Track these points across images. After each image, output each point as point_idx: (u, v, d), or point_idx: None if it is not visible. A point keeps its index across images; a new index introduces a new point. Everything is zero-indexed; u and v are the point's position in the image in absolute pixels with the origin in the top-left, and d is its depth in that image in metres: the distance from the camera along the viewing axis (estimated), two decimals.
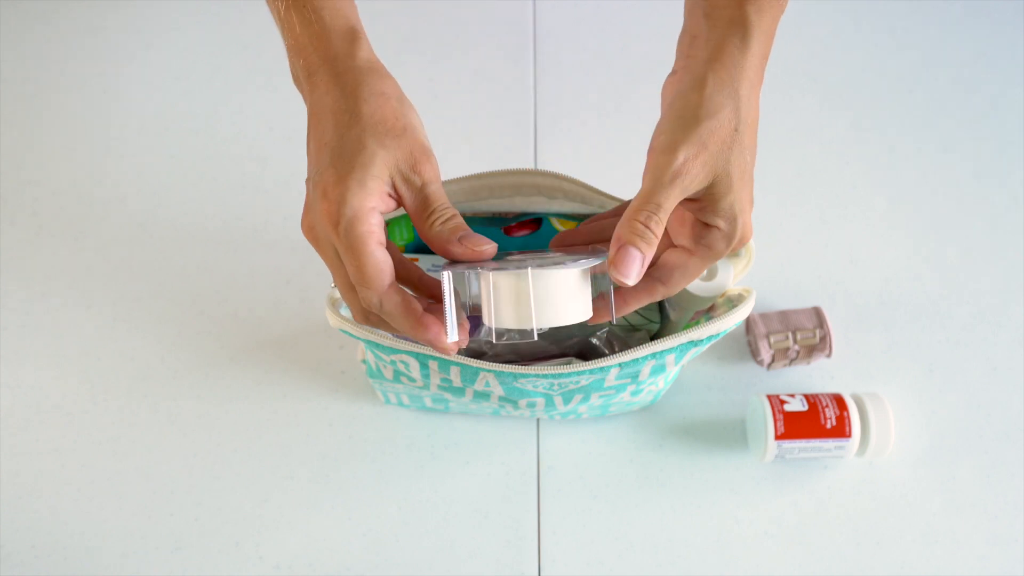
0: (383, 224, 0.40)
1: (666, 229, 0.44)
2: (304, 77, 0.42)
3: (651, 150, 0.40)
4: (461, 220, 0.41)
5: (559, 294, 0.40)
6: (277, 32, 0.80)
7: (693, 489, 0.63)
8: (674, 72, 0.43)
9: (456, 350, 0.41)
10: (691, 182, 0.39)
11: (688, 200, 0.41)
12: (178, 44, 0.79)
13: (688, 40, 0.43)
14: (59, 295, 0.68)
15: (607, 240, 0.45)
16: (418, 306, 0.40)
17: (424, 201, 0.41)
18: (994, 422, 0.65)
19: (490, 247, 0.40)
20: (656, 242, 0.39)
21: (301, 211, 0.72)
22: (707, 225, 0.42)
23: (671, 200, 0.39)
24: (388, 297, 0.39)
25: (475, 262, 0.41)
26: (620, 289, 0.44)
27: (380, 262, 0.39)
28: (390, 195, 0.40)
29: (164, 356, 0.66)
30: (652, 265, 0.44)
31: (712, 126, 0.39)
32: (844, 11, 0.82)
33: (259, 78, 0.77)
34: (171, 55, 0.78)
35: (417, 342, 0.46)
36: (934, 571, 0.61)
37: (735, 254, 0.52)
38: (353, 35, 0.41)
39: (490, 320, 0.41)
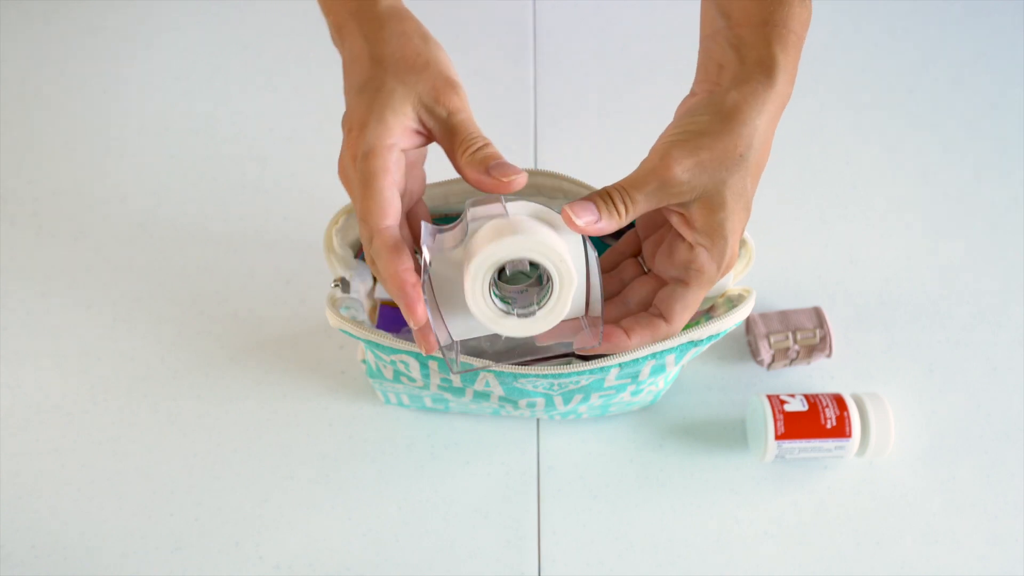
0: (402, 164, 0.39)
1: (654, 268, 0.45)
2: (335, 33, 0.43)
3: (651, 150, 0.40)
4: (494, 149, 0.40)
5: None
6: (277, 32, 0.80)
7: (693, 489, 0.63)
8: (693, 94, 0.44)
9: (423, 332, 0.40)
10: (676, 190, 0.39)
11: (674, 213, 0.41)
12: (178, 44, 0.79)
13: (715, 68, 0.43)
14: (59, 295, 0.68)
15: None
16: (409, 263, 0.38)
17: (451, 131, 0.40)
18: (994, 422, 0.65)
19: (520, 177, 0.39)
20: (616, 223, 0.39)
21: (301, 211, 0.72)
22: (692, 247, 0.41)
23: (648, 199, 0.39)
24: (380, 235, 0.38)
25: (504, 192, 0.39)
26: (620, 325, 0.43)
27: (385, 199, 0.38)
28: (417, 131, 0.40)
29: (164, 356, 0.66)
30: (649, 304, 0.44)
31: (714, 142, 0.39)
32: (844, 11, 0.82)
33: (259, 78, 0.77)
34: (171, 55, 0.78)
35: (391, 300, 0.45)
36: (934, 571, 0.61)
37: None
38: None
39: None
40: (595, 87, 0.77)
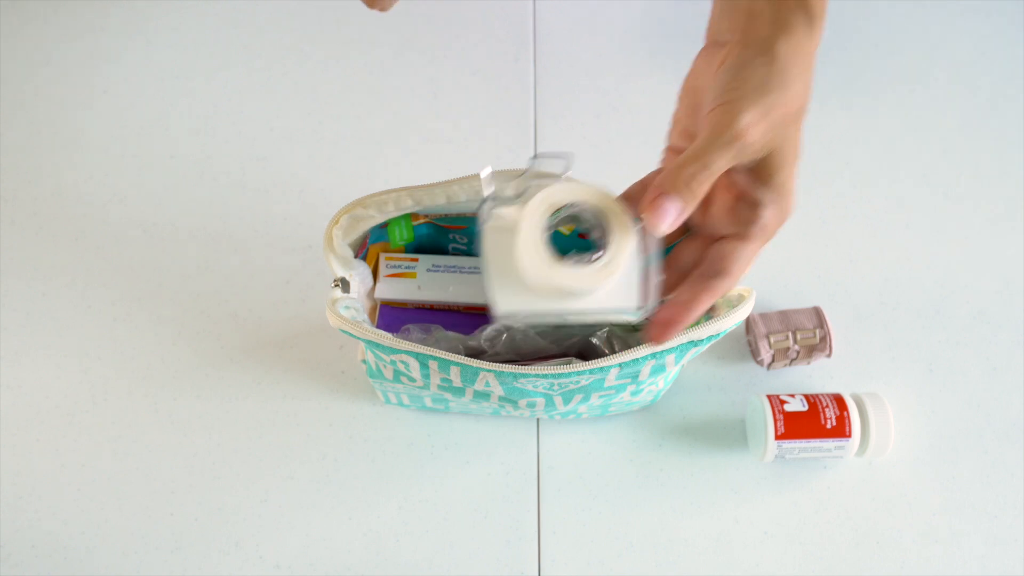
0: None
1: (703, 226, 0.42)
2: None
3: (709, 111, 0.38)
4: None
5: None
6: (277, 31, 0.80)
7: (693, 489, 0.63)
8: (721, 45, 0.41)
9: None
10: (748, 149, 0.37)
11: (737, 174, 0.39)
12: (178, 44, 0.79)
13: (743, 17, 0.40)
14: (59, 295, 0.68)
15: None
16: None
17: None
18: (994, 422, 0.65)
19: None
20: (697, 202, 0.37)
21: (301, 211, 0.72)
22: (754, 205, 0.39)
23: (723, 161, 0.37)
24: None
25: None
26: (687, 288, 0.41)
27: None
28: None
29: (164, 356, 0.66)
30: (703, 263, 0.41)
31: (781, 98, 0.37)
32: (844, 11, 0.82)
33: (259, 78, 0.77)
34: (171, 55, 0.78)
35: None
36: (934, 571, 0.61)
37: None
38: None
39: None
40: (595, 87, 0.77)
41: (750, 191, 0.39)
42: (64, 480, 0.62)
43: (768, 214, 0.39)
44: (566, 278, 0.37)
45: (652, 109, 0.76)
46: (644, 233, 0.38)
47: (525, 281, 0.37)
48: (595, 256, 0.37)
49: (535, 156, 0.38)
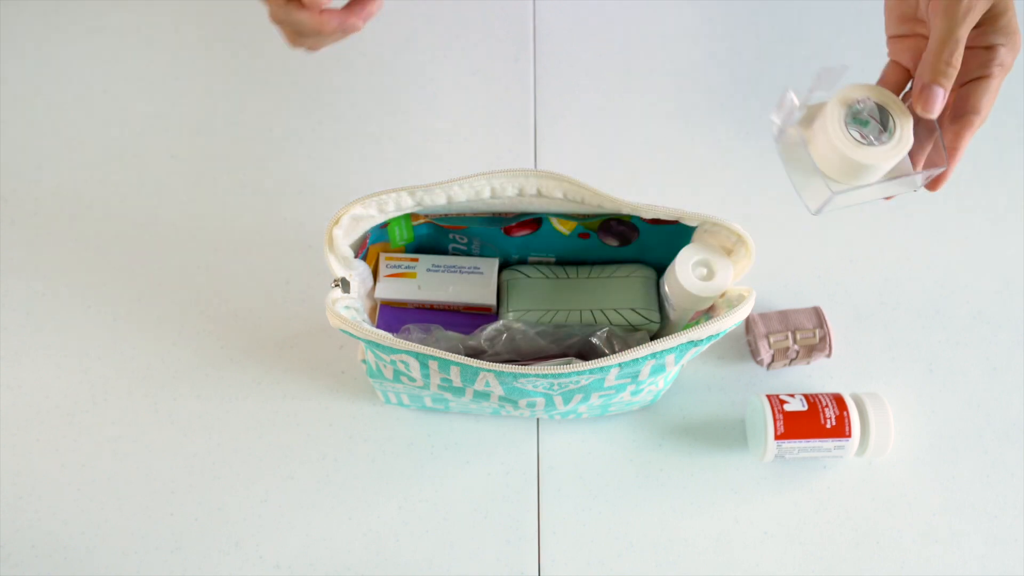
0: None
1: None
2: None
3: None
4: None
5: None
6: (276, 31, 0.80)
7: (693, 489, 0.63)
8: None
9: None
10: (979, 11, 0.44)
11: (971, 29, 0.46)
12: (178, 44, 0.79)
13: None
14: (59, 295, 0.68)
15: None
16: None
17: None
18: (994, 422, 0.65)
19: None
20: (956, 74, 0.45)
21: (301, 211, 0.72)
22: (989, 48, 0.46)
23: (966, 32, 0.44)
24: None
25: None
26: (945, 135, 0.47)
27: None
28: None
29: (164, 356, 0.66)
30: (954, 106, 0.47)
31: None
32: (844, 11, 0.82)
33: (259, 78, 0.77)
34: (171, 55, 0.78)
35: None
36: (934, 571, 0.61)
37: (736, 253, 0.52)
38: None
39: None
40: (595, 87, 0.77)
41: (981, 39, 0.46)
42: (64, 480, 0.62)
43: (1003, 52, 0.46)
44: (870, 156, 0.46)
45: (651, 109, 0.76)
46: (916, 117, 0.47)
47: (836, 163, 0.47)
48: (883, 139, 0.47)
49: (821, 69, 0.48)
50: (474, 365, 0.48)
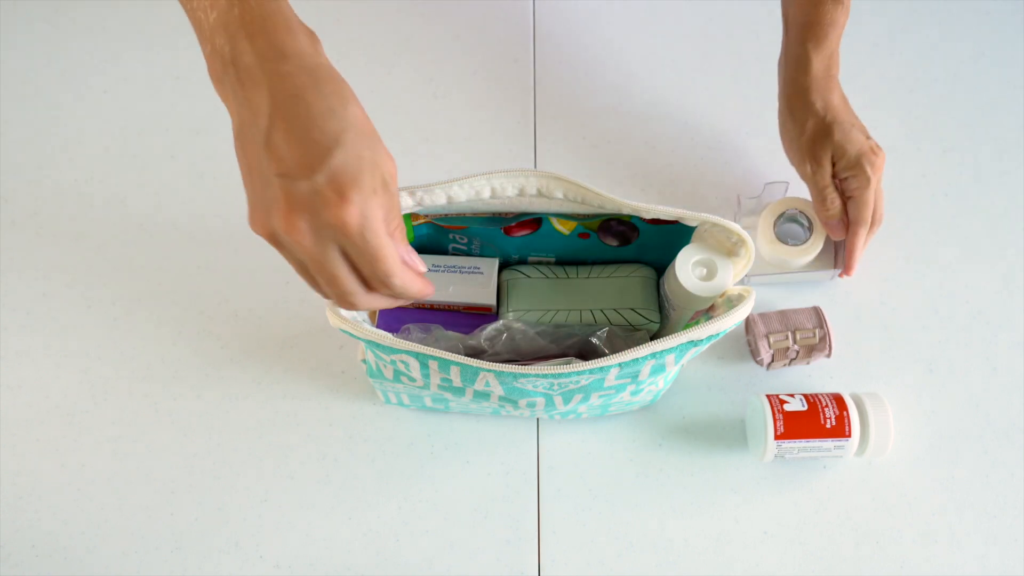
0: None
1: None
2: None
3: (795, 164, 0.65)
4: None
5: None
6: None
7: (693, 489, 0.63)
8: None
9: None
10: (825, 162, 0.62)
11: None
12: (178, 44, 0.79)
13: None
14: (59, 295, 0.68)
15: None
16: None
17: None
18: (994, 422, 0.65)
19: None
20: (838, 208, 0.63)
21: None
22: (844, 180, 0.62)
23: (825, 179, 0.62)
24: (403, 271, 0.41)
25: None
26: (847, 240, 0.64)
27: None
28: None
29: (164, 356, 0.66)
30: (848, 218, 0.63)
31: (802, 118, 0.63)
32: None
33: None
34: (171, 55, 0.78)
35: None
36: (934, 571, 0.61)
37: (736, 254, 0.52)
38: None
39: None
40: (595, 87, 0.77)
41: (840, 175, 0.62)
42: (64, 480, 0.62)
43: (852, 180, 0.61)
44: (788, 253, 0.66)
45: (651, 110, 0.76)
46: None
47: (763, 256, 0.67)
48: (804, 240, 0.66)
49: (766, 184, 0.67)
50: (474, 365, 0.48)
